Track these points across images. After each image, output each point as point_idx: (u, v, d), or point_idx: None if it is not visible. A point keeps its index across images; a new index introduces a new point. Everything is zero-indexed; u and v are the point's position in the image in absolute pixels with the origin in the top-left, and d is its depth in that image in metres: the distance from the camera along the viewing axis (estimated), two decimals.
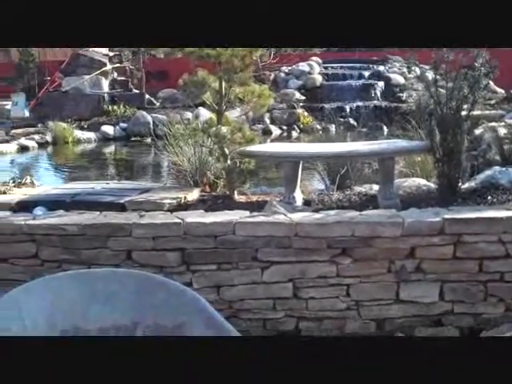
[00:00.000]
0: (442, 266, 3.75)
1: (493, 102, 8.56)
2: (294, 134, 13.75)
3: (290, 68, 16.11)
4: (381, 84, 15.20)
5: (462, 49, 4.54)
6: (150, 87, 15.61)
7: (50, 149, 12.35)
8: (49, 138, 12.62)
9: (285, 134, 13.62)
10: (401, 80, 14.99)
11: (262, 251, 3.76)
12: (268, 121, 13.83)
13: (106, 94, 15.00)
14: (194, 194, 4.88)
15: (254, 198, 4.91)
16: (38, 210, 4.22)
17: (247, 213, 3.97)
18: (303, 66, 15.95)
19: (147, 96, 15.12)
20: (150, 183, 6.33)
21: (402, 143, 5.33)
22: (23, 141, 12.21)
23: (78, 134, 12.99)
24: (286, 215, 3.89)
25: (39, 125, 13.46)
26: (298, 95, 15.00)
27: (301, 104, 14.67)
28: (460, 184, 4.70)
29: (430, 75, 4.87)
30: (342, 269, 3.76)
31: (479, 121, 5.66)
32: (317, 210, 4.21)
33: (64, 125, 12.86)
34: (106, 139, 13.19)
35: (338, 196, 4.92)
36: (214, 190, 5.17)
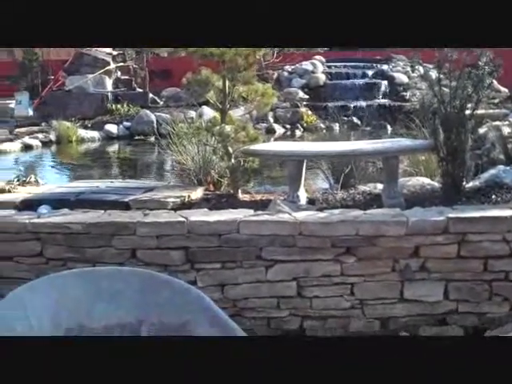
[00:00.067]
0: (446, 265, 3.74)
1: (497, 100, 8.53)
2: (298, 132, 13.74)
3: (293, 67, 16.11)
4: (384, 83, 15.20)
5: (465, 49, 4.53)
6: (153, 86, 15.63)
7: (53, 148, 12.37)
8: (52, 136, 12.63)
9: (288, 133, 13.62)
10: (404, 79, 14.98)
11: (266, 250, 3.76)
12: (272, 120, 13.84)
13: (109, 93, 15.02)
14: (197, 193, 4.87)
15: (258, 197, 4.91)
16: (43, 209, 4.22)
17: (251, 211, 3.97)
18: (306, 65, 15.95)
19: (151, 95, 15.14)
20: (153, 182, 6.33)
21: (405, 142, 5.32)
22: (27, 140, 12.21)
23: (82, 132, 13.02)
24: (290, 214, 3.89)
25: (43, 124, 13.49)
26: (301, 94, 15.00)
27: (304, 103, 14.67)
28: (464, 183, 4.69)
29: (433, 74, 4.85)
30: (346, 268, 3.76)
31: (483, 120, 5.65)
32: (321, 209, 4.20)
33: (68, 124, 12.87)
34: (109, 138, 13.22)
35: (342, 195, 4.91)
36: (218, 189, 5.16)
